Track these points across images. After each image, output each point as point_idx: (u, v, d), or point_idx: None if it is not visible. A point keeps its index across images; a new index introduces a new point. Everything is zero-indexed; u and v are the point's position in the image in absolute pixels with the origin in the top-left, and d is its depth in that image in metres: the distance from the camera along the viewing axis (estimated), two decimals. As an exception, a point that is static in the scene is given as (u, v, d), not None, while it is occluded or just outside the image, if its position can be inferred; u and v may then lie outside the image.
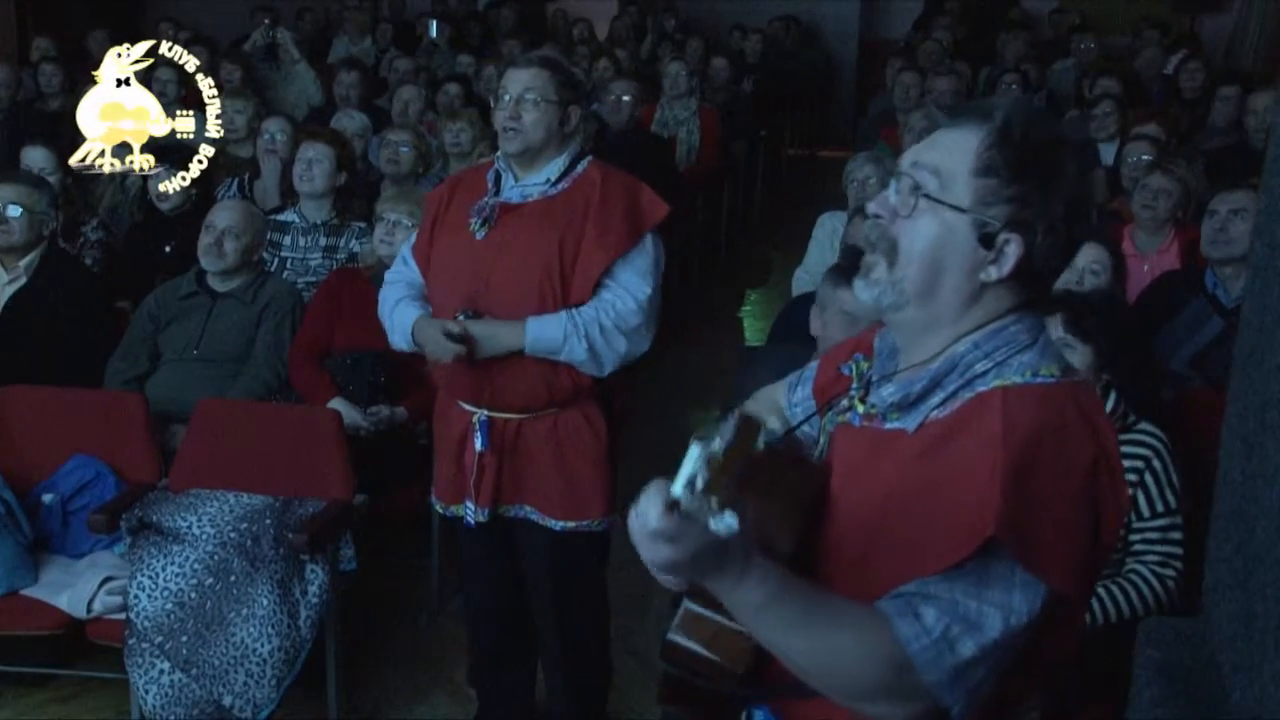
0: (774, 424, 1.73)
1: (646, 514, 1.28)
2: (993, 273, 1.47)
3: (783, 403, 1.83)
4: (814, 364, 1.83)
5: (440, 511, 3.16)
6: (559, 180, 2.89)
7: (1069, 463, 1.41)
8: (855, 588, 1.44)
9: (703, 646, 1.50)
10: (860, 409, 1.57)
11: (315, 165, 4.47)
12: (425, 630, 3.84)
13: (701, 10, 11.57)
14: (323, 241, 4.49)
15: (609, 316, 2.82)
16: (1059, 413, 1.43)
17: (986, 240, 1.46)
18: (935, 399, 1.48)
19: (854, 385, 1.62)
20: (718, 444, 1.29)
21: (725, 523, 1.26)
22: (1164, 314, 3.82)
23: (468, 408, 2.96)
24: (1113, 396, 2.78)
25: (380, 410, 3.65)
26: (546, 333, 2.80)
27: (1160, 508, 2.76)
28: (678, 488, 1.27)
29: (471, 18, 10.70)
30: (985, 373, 1.47)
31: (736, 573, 1.34)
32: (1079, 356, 2.66)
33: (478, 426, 2.93)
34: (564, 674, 3.16)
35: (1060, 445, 1.41)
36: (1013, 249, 1.45)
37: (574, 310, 2.81)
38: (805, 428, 1.74)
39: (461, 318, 2.83)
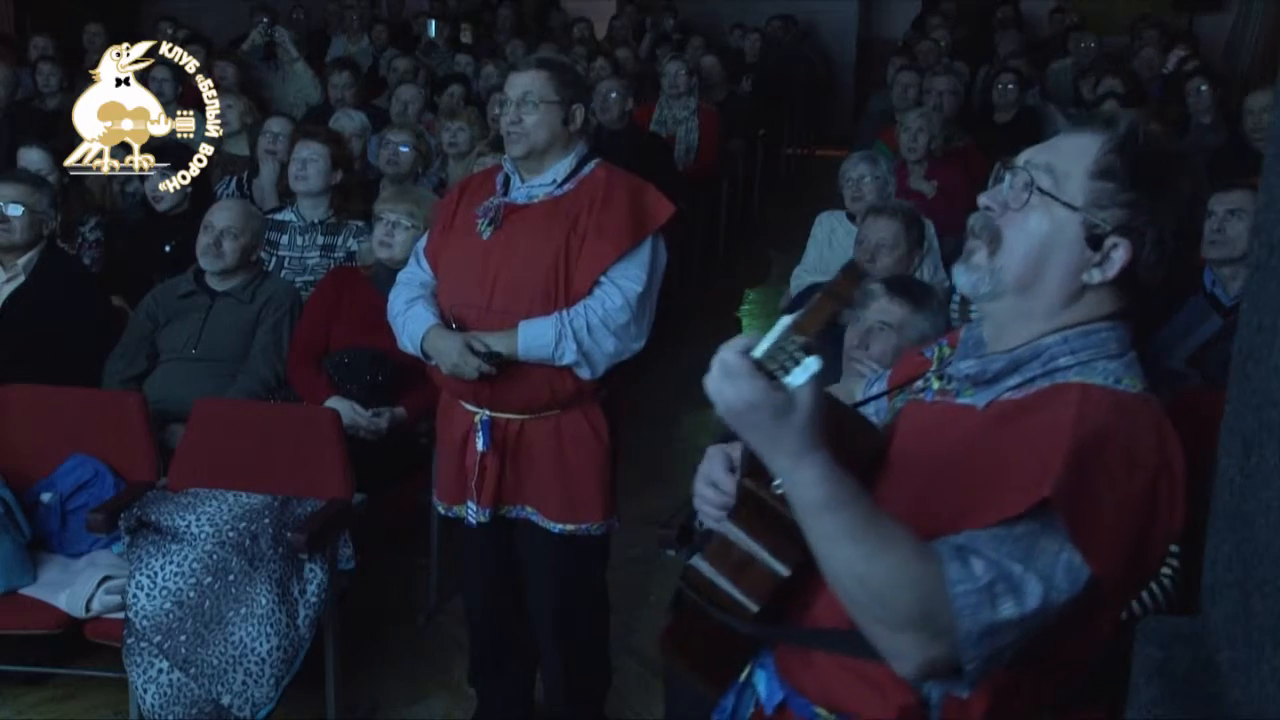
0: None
1: (723, 350, 1.31)
2: (1096, 275, 1.48)
3: (858, 396, 1.85)
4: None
5: (443, 512, 3.16)
6: (565, 181, 2.89)
7: (1133, 464, 1.41)
8: None
9: (725, 577, 1.52)
10: (935, 384, 1.60)
11: (310, 164, 4.46)
12: (424, 630, 3.84)
13: (700, 10, 11.57)
14: (320, 240, 4.48)
15: (596, 315, 2.81)
16: (1131, 421, 1.44)
17: (1094, 241, 1.47)
18: (1011, 381, 1.50)
19: (933, 367, 1.64)
20: (825, 289, 1.33)
21: (806, 366, 1.29)
22: (1162, 312, 3.82)
23: (470, 408, 2.96)
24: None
25: (383, 413, 3.64)
26: (539, 338, 2.79)
27: None
28: (759, 350, 1.30)
29: (468, 16, 10.69)
30: (1067, 368, 1.47)
31: (795, 448, 1.32)
32: None
33: (480, 427, 2.92)
34: (563, 674, 3.16)
35: (1128, 447, 1.41)
36: (1119, 254, 1.46)
37: (564, 311, 2.80)
38: (871, 410, 1.76)
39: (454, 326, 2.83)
